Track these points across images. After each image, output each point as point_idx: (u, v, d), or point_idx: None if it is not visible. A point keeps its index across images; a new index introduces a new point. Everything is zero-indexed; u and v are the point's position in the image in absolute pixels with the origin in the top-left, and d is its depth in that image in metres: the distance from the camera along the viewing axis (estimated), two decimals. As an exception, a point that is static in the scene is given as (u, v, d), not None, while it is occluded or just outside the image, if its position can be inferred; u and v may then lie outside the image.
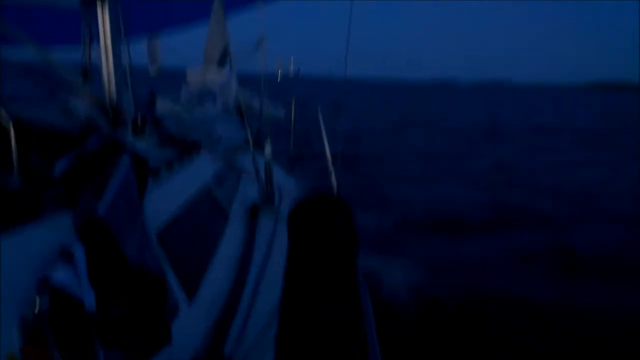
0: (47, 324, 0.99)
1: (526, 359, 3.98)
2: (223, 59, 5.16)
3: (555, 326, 4.42)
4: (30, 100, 2.63)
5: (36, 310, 0.99)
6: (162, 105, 3.84)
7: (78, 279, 1.09)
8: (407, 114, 33.44)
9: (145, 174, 1.56)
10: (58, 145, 1.58)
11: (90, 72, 2.91)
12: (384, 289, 4.69)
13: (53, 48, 2.66)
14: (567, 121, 31.56)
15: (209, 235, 2.18)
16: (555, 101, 74.32)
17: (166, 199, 1.90)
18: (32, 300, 0.99)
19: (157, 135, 2.80)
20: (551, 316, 4.60)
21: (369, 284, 1.20)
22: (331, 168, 3.01)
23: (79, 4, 2.68)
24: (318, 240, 1.17)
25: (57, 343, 0.99)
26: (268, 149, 3.06)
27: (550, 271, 5.91)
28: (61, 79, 2.64)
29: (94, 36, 2.88)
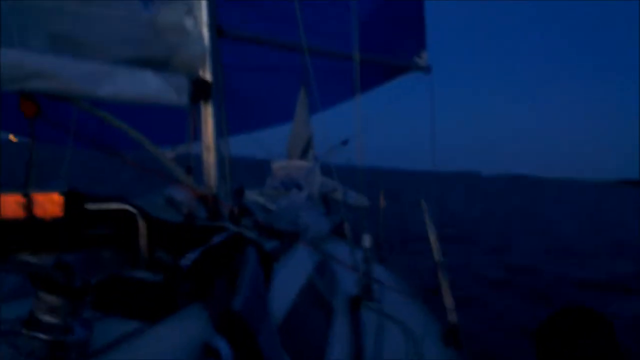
0: None
1: None
2: (306, 152, 5.31)
3: None
4: (142, 195, 2.76)
5: None
6: (249, 195, 3.93)
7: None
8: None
9: (270, 266, 1.54)
10: (180, 239, 1.61)
11: (193, 167, 3.05)
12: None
13: (161, 145, 2.82)
14: None
15: (318, 329, 2.09)
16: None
17: (277, 293, 1.86)
18: None
19: (253, 225, 2.82)
20: None
21: None
22: (439, 258, 2.91)
23: (187, 104, 2.87)
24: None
25: None
26: (367, 240, 3.00)
27: None
28: (168, 174, 2.77)
29: (197, 133, 3.06)
